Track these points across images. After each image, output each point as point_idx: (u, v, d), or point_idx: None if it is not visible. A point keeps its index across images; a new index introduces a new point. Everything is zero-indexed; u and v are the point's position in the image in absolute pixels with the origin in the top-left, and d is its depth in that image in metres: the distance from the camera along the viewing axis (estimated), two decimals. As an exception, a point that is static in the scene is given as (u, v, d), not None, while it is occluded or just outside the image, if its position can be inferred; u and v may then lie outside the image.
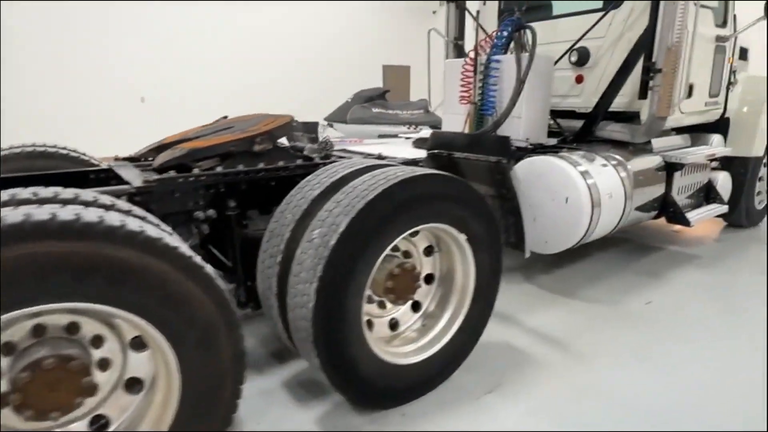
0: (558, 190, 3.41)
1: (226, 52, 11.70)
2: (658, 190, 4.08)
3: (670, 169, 4.14)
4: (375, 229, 2.11)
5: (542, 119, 4.10)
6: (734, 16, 4.58)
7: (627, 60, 3.94)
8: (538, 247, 3.62)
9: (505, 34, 4.07)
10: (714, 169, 4.82)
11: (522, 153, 3.85)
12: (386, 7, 14.61)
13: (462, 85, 4.29)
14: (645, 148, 4.17)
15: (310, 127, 4.34)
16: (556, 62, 4.42)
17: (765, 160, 5.28)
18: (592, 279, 4.09)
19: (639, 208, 3.94)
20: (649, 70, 3.76)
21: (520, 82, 3.77)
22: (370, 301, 2.45)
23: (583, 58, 4.30)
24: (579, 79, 4.42)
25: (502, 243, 2.64)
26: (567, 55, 4.32)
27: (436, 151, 3.49)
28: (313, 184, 2.37)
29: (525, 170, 3.62)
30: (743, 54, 5.02)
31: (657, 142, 4.30)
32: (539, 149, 3.97)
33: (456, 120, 4.37)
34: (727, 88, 4.75)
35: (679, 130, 4.70)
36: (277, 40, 12.27)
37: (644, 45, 3.80)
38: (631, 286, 3.93)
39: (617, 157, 3.79)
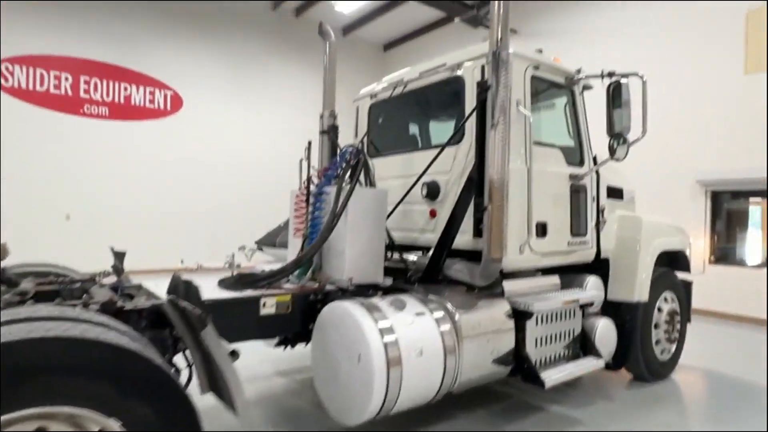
0: (350, 346, 2.83)
1: (157, 173, 11.71)
2: (506, 342, 3.51)
3: (520, 317, 3.62)
4: None
5: (373, 256, 3.67)
6: (594, 156, 4.45)
7: (461, 196, 3.65)
8: (341, 416, 2.93)
9: (343, 163, 3.83)
10: (591, 315, 4.31)
11: (337, 296, 3.36)
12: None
13: (296, 216, 3.94)
14: (493, 293, 3.69)
15: (119, 257, 3.86)
16: (405, 195, 4.15)
17: (660, 305, 4.82)
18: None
19: (480, 365, 3.33)
20: (479, 208, 3.45)
21: (334, 216, 3.41)
22: None
23: (433, 192, 4.03)
24: (432, 214, 4.10)
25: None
26: (420, 189, 4.06)
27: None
28: None
29: (325, 318, 3.09)
30: (615, 193, 4.82)
31: (515, 285, 3.84)
32: (362, 291, 3.48)
33: (293, 254, 3.94)
34: (597, 228, 4.45)
35: (554, 271, 4.28)
36: (210, 166, 12.38)
37: (474, 181, 3.54)
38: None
39: (446, 304, 3.28)
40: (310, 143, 4.06)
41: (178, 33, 11.97)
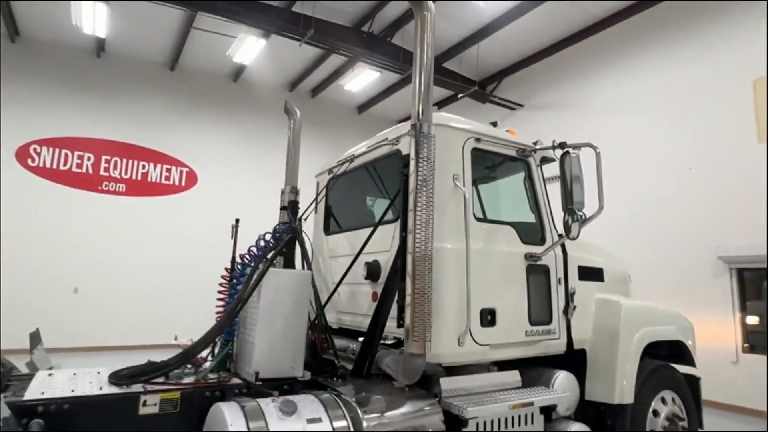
0: (219, 459, 2.40)
1: (168, 247, 11.86)
2: (434, 455, 2.95)
3: (456, 424, 3.07)
4: None
5: (290, 347, 3.28)
6: (558, 235, 4.01)
7: (387, 279, 3.29)
8: None
9: (263, 243, 3.58)
10: (561, 421, 3.66)
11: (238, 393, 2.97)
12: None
13: (218, 299, 3.66)
14: (427, 393, 3.19)
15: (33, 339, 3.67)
16: (344, 276, 3.82)
17: (656, 407, 4.07)
18: None
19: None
20: (402, 294, 3.07)
21: (238, 302, 3.10)
22: None
23: (373, 272, 3.67)
24: (374, 297, 3.72)
25: None
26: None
27: None
28: None
29: (207, 421, 2.69)
30: (593, 274, 4.28)
31: (457, 383, 3.32)
32: (272, 387, 3.07)
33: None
34: (566, 314, 3.90)
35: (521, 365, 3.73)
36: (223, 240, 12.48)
37: (398, 264, 3.18)
38: None
39: (358, 409, 2.80)
40: (237, 221, 3.87)
41: (195, 113, 12.62)
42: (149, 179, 11.92)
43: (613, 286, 4.50)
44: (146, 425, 2.75)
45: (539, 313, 3.71)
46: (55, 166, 10.96)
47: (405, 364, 2.96)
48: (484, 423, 3.15)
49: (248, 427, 2.42)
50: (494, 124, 4.07)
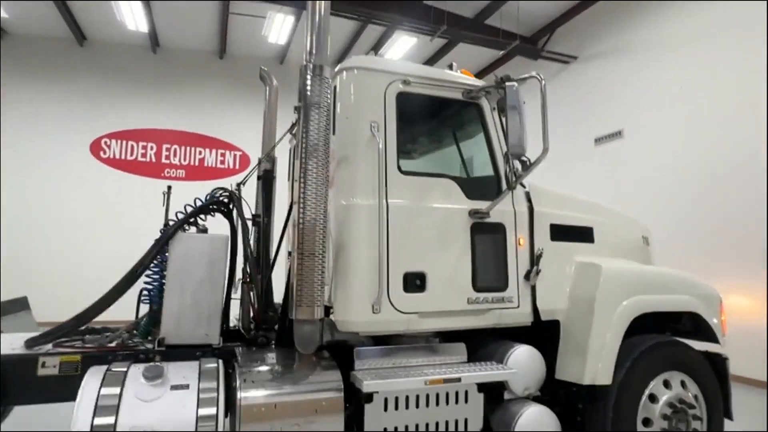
0: (73, 419, 2.35)
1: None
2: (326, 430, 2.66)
3: (361, 398, 2.75)
4: None
5: (204, 314, 3.15)
6: (526, 190, 3.44)
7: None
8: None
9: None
10: (516, 402, 3.16)
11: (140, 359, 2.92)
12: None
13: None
14: (327, 365, 2.90)
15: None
16: (279, 244, 3.62)
17: (655, 391, 3.37)
18: None
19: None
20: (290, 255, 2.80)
21: (139, 266, 3.03)
22: None
23: None
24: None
25: None
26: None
27: None
28: None
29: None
30: (576, 234, 3.62)
31: (379, 355, 2.99)
32: (181, 354, 2.98)
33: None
34: (528, 278, 3.33)
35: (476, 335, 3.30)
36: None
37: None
38: None
39: (239, 378, 2.61)
40: (169, 188, 3.81)
41: (246, 97, 13.00)
42: (206, 164, 12.59)
43: (612, 249, 3.80)
44: (47, 385, 2.80)
45: (488, 279, 3.22)
46: (123, 157, 11.99)
47: (296, 332, 2.70)
48: (396, 399, 2.80)
49: (99, 392, 2.34)
50: (450, 66, 3.55)
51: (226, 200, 3.60)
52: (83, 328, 3.20)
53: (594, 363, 3.20)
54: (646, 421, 3.32)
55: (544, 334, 3.43)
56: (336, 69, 3.18)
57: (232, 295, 3.50)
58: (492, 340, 3.42)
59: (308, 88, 2.73)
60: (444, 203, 3.17)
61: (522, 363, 3.18)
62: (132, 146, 12.09)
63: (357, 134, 3.03)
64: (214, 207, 3.53)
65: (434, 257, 3.08)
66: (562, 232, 3.54)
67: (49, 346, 2.96)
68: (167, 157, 12.32)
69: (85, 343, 3.09)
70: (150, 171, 12.12)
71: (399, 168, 3.10)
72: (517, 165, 3.06)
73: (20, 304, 4.23)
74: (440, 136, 3.76)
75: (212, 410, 2.43)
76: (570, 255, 3.55)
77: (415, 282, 3.01)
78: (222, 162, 12.72)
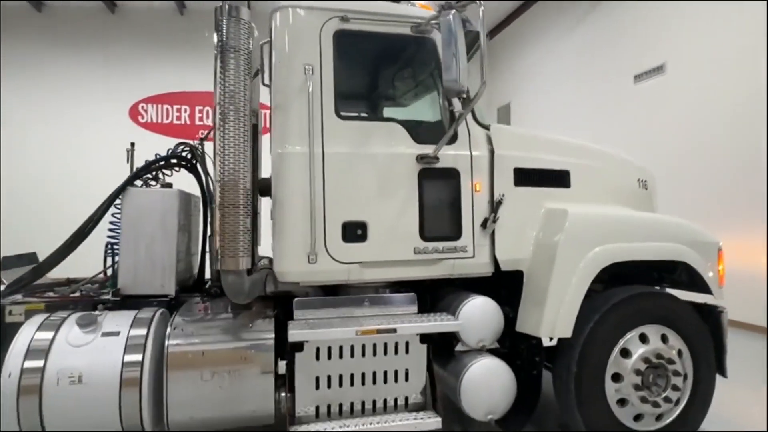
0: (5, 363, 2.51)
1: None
2: (259, 379, 2.68)
3: (291, 347, 2.74)
4: None
5: (158, 265, 3.24)
6: (488, 133, 3.17)
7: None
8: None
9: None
10: (469, 354, 3.04)
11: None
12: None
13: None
14: (262, 314, 2.91)
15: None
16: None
17: (628, 346, 3.12)
18: None
19: (208, 405, 2.62)
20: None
21: (89, 221, 3.13)
22: None
23: (265, 188, 3.41)
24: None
25: None
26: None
27: None
28: None
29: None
30: (545, 178, 3.32)
31: (320, 305, 2.95)
32: (135, 303, 3.10)
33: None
34: (485, 226, 3.12)
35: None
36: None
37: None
38: None
39: (169, 327, 2.68)
40: (132, 144, 3.86)
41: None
42: (238, 124, 12.83)
43: (596, 194, 3.48)
44: (15, 331, 3.01)
45: (439, 227, 3.05)
46: (160, 121, 12.46)
47: (222, 282, 2.71)
48: (329, 349, 2.77)
49: (33, 337, 2.48)
50: (446, 5, 3.17)
51: (188, 155, 3.62)
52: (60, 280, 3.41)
53: (552, 315, 2.99)
54: (616, 377, 3.10)
55: (515, 286, 3.25)
56: (270, 11, 3.01)
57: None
58: (454, 291, 3.28)
59: (223, 30, 2.61)
60: (386, 149, 2.99)
61: (474, 314, 3.03)
62: (167, 110, 12.50)
63: (291, 79, 2.89)
64: (175, 162, 3.56)
65: (377, 206, 2.95)
66: (528, 177, 3.26)
67: (20, 296, 3.18)
68: (200, 119, 12.65)
69: (55, 293, 3.29)
70: (185, 133, 12.54)
71: (337, 113, 2.94)
72: (459, 104, 2.81)
73: (28, 259, 4.56)
74: (388, 77, 3.51)
75: (138, 356, 2.53)
76: (539, 201, 3.27)
77: (355, 232, 2.90)
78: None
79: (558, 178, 3.37)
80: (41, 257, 3.48)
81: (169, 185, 3.58)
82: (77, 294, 3.23)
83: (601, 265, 3.09)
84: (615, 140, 9.12)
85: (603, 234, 3.15)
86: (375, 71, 3.49)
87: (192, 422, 2.64)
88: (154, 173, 3.52)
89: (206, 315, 2.87)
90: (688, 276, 3.48)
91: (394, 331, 2.77)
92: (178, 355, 2.60)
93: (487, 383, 2.92)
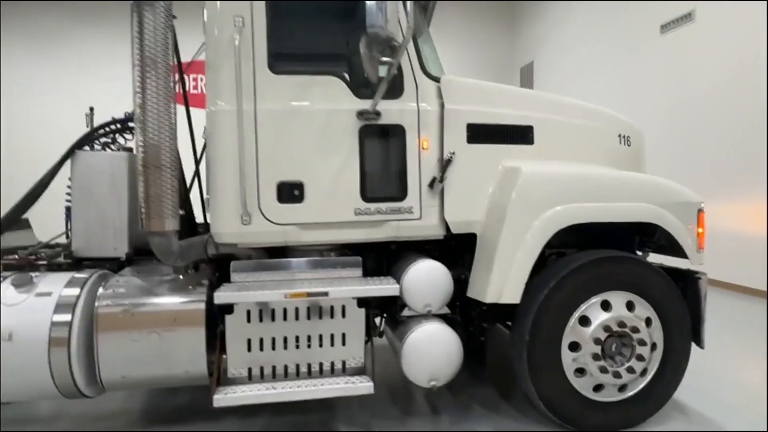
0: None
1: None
2: (191, 340, 2.67)
3: (221, 310, 2.71)
4: None
5: (110, 228, 3.24)
6: (438, 85, 2.95)
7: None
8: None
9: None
10: (414, 319, 2.92)
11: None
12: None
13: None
14: (198, 276, 2.89)
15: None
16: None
17: (588, 313, 2.92)
18: None
19: (138, 365, 2.64)
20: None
21: (39, 185, 3.16)
22: None
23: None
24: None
25: None
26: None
27: None
28: None
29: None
30: (503, 134, 3.08)
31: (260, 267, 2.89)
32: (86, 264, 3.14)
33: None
34: (432, 186, 2.94)
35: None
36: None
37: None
38: None
39: (101, 288, 2.70)
40: (92, 109, 3.83)
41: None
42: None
43: (565, 151, 3.23)
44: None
45: (381, 188, 2.91)
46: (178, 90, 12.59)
47: (150, 244, 2.68)
48: (260, 312, 2.72)
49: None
50: None
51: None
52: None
53: (499, 279, 2.82)
54: (574, 346, 2.92)
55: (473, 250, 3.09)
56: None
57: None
58: (409, 255, 3.14)
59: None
60: (326, 104, 2.84)
61: (420, 278, 2.89)
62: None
63: (221, 33, 2.76)
64: (129, 127, 3.52)
65: (314, 165, 2.82)
66: (483, 133, 3.03)
67: (-17, 259, 3.28)
68: (194, 87, 12.70)
69: (19, 257, 3.38)
70: (201, 102, 12.64)
71: (271, 67, 2.79)
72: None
73: (22, 223, 4.71)
74: (326, 27, 3.30)
75: (67, 317, 2.56)
76: (496, 160, 3.05)
77: (291, 192, 2.80)
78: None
79: (519, 135, 3.12)
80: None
81: (129, 149, 3.56)
82: (33, 257, 3.30)
83: (557, 227, 2.87)
84: (642, 96, 8.55)
85: (561, 194, 2.91)
86: (311, 21, 3.30)
87: (125, 381, 2.68)
88: (112, 137, 3.51)
89: (146, 277, 2.86)
90: (667, 240, 3.20)
91: (326, 294, 2.68)
92: (107, 316, 2.61)
93: (429, 349, 2.81)
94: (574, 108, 3.35)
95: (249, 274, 2.87)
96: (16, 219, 3.19)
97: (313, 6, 3.11)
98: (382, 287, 2.77)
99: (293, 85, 2.83)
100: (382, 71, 2.70)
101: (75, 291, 2.66)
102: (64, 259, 3.17)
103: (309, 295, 2.67)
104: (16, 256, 3.29)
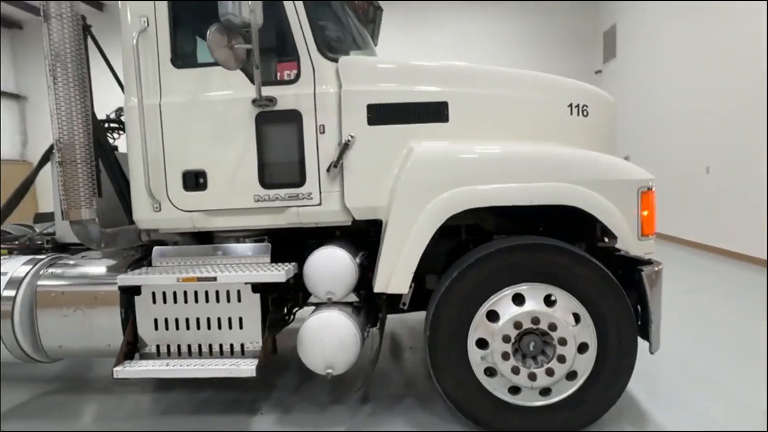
0: None
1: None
2: (110, 318, 2.96)
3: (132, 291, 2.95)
4: None
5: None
6: (336, 66, 2.86)
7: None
8: None
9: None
10: (323, 307, 2.90)
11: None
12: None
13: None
14: (121, 260, 3.17)
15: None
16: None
17: (497, 308, 2.63)
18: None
19: (72, 338, 3.00)
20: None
21: (30, 178, 3.69)
22: None
23: None
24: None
25: None
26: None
27: None
28: None
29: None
30: (410, 113, 2.85)
31: (180, 253, 3.09)
32: (66, 249, 3.63)
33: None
34: (330, 172, 2.85)
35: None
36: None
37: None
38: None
39: (48, 268, 3.12)
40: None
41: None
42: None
43: (491, 126, 2.94)
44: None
45: (279, 174, 2.91)
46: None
47: (72, 231, 3.00)
48: (164, 294, 2.92)
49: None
50: None
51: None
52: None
53: (387, 268, 2.67)
54: (483, 343, 2.66)
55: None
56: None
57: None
58: (322, 242, 3.12)
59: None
60: (224, 94, 2.91)
61: (319, 265, 2.85)
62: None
63: (130, 32, 2.97)
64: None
65: (215, 153, 2.92)
66: (387, 114, 2.85)
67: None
68: None
69: (20, 243, 4.01)
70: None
71: (174, 63, 2.94)
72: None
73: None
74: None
75: (12, 293, 3.01)
76: (402, 141, 2.86)
77: (195, 180, 2.94)
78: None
79: (430, 112, 2.88)
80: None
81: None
82: (28, 243, 3.89)
83: (450, 212, 2.62)
84: (734, 60, 7.25)
85: (459, 175, 2.65)
86: (209, 16, 3.35)
87: (62, 351, 3.08)
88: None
89: (93, 261, 3.22)
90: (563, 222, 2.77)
91: (214, 279, 2.79)
92: (43, 294, 3.02)
93: (321, 338, 2.76)
94: (502, 78, 2.99)
95: (169, 258, 3.08)
96: (7, 214, 3.78)
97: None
98: (269, 274, 2.79)
99: (194, 78, 2.94)
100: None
101: (25, 270, 3.11)
102: (47, 244, 3.70)
103: (199, 279, 2.80)
104: (17, 242, 3.92)
